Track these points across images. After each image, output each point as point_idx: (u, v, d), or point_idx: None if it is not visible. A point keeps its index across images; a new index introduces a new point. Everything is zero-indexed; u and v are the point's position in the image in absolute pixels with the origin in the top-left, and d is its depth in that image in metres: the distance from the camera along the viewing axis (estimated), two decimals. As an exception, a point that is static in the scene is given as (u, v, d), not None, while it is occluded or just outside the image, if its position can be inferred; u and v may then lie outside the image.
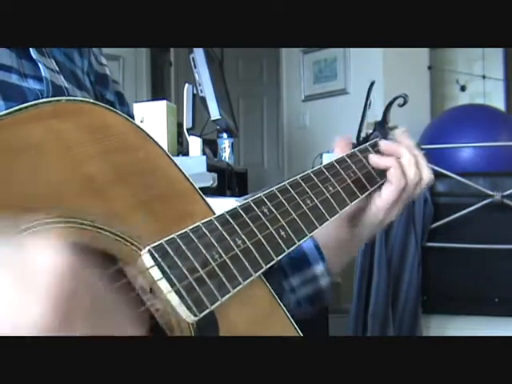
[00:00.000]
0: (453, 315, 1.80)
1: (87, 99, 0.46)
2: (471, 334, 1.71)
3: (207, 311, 0.41)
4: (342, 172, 0.62)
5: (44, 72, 0.52)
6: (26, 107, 0.40)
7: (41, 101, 0.42)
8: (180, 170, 0.49)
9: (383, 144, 0.67)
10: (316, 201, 0.56)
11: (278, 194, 0.52)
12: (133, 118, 0.75)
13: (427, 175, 0.67)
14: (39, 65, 0.52)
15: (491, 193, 1.72)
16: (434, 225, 1.75)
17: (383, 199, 0.64)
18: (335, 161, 0.62)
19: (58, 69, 0.55)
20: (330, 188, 0.58)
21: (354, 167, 0.63)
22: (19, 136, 0.39)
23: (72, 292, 0.30)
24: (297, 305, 0.67)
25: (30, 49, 0.52)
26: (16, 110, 0.39)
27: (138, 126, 0.47)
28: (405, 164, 0.65)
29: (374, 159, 0.65)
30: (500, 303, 1.75)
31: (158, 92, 3.80)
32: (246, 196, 1.52)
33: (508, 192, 1.71)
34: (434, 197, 1.76)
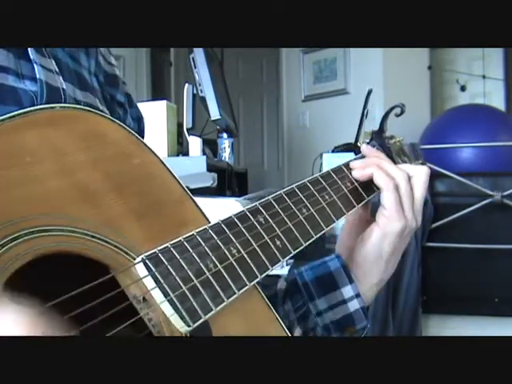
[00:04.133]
0: (453, 315, 1.80)
1: (81, 106, 0.46)
2: (471, 333, 1.71)
3: (201, 321, 0.40)
4: (339, 181, 0.61)
5: (39, 73, 0.52)
6: (21, 114, 0.40)
7: (35, 107, 0.41)
8: (175, 178, 0.48)
9: (356, 162, 0.65)
10: (312, 210, 0.55)
11: (274, 203, 0.52)
12: (142, 118, 0.74)
13: (414, 169, 0.65)
14: (34, 66, 0.52)
15: (491, 193, 1.72)
16: (434, 225, 1.75)
17: (386, 208, 0.61)
18: (332, 170, 0.62)
19: (57, 69, 0.55)
20: (327, 197, 0.58)
21: (350, 177, 0.63)
22: (14, 143, 0.39)
23: None
24: (324, 330, 0.62)
25: (29, 49, 0.52)
26: (11, 117, 0.39)
27: (133, 133, 0.47)
28: (384, 166, 0.64)
29: (356, 173, 0.64)
30: (500, 303, 1.75)
31: (157, 92, 3.80)
32: (246, 196, 1.52)
33: (508, 192, 1.71)
34: (434, 197, 1.76)
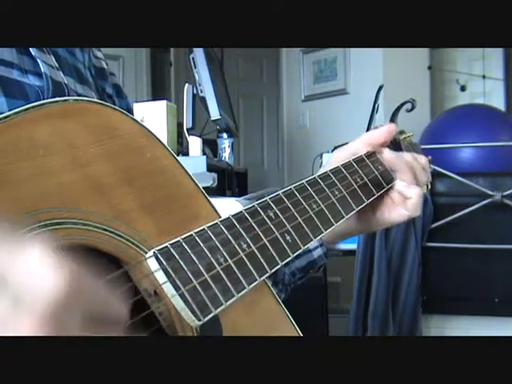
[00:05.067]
0: (453, 315, 1.80)
1: (94, 99, 0.46)
2: (471, 333, 1.71)
3: (211, 315, 0.41)
4: (349, 177, 0.61)
5: (43, 68, 0.52)
6: (33, 107, 0.40)
7: (48, 101, 0.41)
8: (186, 172, 0.48)
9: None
10: (322, 205, 0.55)
11: (285, 199, 0.52)
12: (132, 111, 0.75)
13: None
14: (38, 61, 0.52)
15: (491, 193, 1.72)
16: (434, 225, 1.75)
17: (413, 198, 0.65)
18: (342, 165, 0.62)
19: (57, 65, 0.56)
20: (337, 192, 0.58)
21: (360, 172, 0.63)
22: (27, 136, 0.39)
23: (66, 310, 0.28)
24: (291, 276, 0.70)
25: None
26: (23, 110, 0.39)
27: (145, 127, 0.47)
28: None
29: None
30: (500, 303, 1.75)
31: (158, 92, 3.80)
32: (246, 196, 1.52)
33: (508, 192, 1.71)
34: (434, 197, 1.76)
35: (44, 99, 0.47)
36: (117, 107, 0.46)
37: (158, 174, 0.46)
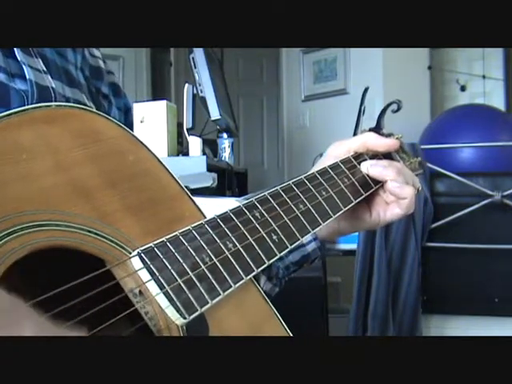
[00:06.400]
0: (453, 315, 1.80)
1: (77, 105, 0.46)
2: (471, 333, 1.71)
3: (197, 314, 0.41)
4: (336, 177, 0.62)
5: (28, 74, 0.52)
6: (16, 112, 0.40)
7: (31, 106, 0.42)
8: (170, 174, 0.49)
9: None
10: (309, 205, 0.56)
11: (270, 199, 0.52)
12: (131, 109, 0.75)
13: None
14: (23, 67, 0.52)
15: (491, 193, 1.72)
16: (434, 225, 1.75)
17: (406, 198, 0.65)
18: (329, 166, 0.62)
19: (45, 68, 0.55)
20: (324, 193, 0.58)
21: (347, 173, 0.63)
22: (10, 140, 0.39)
23: None
24: (285, 269, 0.70)
25: (15, 49, 0.52)
26: (6, 115, 0.39)
27: (128, 131, 0.48)
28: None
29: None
30: (500, 303, 1.75)
31: (158, 92, 3.80)
32: (246, 196, 1.52)
33: (508, 192, 1.71)
34: (434, 197, 1.76)
35: (28, 104, 0.47)
36: (100, 112, 0.46)
37: (141, 176, 0.46)
